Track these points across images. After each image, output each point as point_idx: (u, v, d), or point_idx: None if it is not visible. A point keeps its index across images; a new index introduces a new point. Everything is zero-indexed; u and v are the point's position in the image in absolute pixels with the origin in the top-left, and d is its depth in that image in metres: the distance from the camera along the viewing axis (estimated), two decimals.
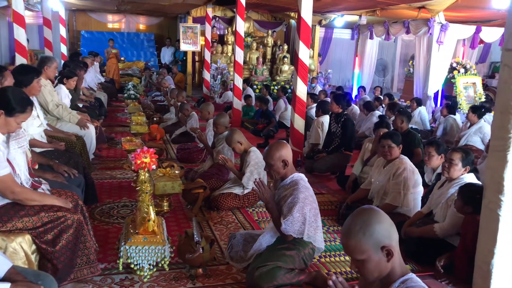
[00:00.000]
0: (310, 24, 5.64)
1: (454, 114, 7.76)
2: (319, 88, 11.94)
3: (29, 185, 2.66)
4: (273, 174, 3.02)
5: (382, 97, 9.23)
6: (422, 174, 4.44)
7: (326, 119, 6.04)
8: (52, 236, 2.50)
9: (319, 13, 12.92)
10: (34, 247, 2.53)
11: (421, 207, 3.79)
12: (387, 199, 3.85)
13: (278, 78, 14.04)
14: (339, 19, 13.35)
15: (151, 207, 2.82)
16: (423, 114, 8.33)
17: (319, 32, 15.45)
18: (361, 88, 10.42)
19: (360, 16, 11.99)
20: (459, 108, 9.29)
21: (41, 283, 1.92)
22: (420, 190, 3.89)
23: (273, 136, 7.98)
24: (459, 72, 10.06)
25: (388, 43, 14.79)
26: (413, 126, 7.90)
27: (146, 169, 2.86)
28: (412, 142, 5.20)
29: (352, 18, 12.96)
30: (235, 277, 3.04)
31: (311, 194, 2.97)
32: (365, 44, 11.82)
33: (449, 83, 10.28)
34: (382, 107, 8.55)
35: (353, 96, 11.43)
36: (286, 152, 2.96)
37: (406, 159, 3.91)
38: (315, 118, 6.39)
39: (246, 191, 4.23)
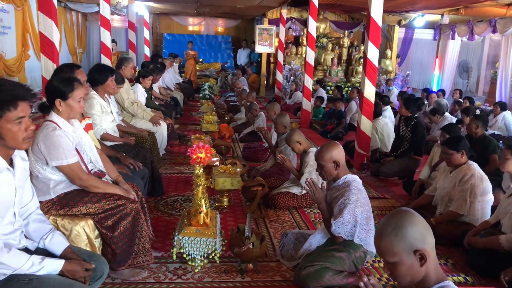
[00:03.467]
0: (380, 23, 5.50)
1: None
2: (395, 90, 11.52)
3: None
4: (325, 175, 3.00)
5: (462, 101, 8.71)
6: (499, 182, 4.16)
7: (380, 122, 5.92)
8: (111, 222, 2.70)
9: (397, 13, 12.49)
10: (97, 232, 2.75)
11: None
12: (451, 207, 3.65)
13: (353, 79, 13.79)
14: (420, 19, 12.79)
15: (203, 200, 2.93)
16: (507, 119, 7.74)
17: (398, 32, 14.91)
18: (440, 91, 9.89)
19: (442, 15, 11.42)
20: None
21: (94, 263, 2.09)
22: (490, 198, 3.63)
23: (342, 138, 7.87)
24: None
25: (474, 43, 13.89)
26: (496, 132, 7.38)
27: (201, 164, 2.98)
28: (487, 148, 4.88)
29: (434, 17, 12.37)
30: (284, 274, 3.07)
31: (363, 197, 2.90)
32: (446, 45, 11.24)
33: None
34: None
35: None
36: (338, 152, 2.93)
37: (474, 165, 3.67)
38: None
39: (304, 192, 4.23)
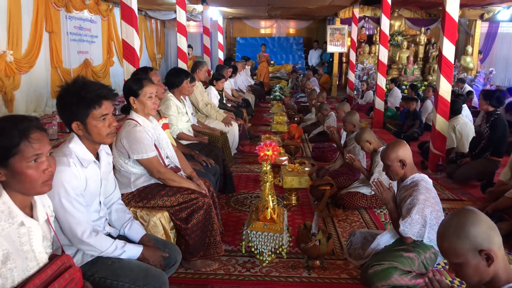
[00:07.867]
0: (456, 18, 5.26)
1: None
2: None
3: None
4: (391, 175, 2.95)
5: None
6: None
7: (460, 120, 5.69)
8: (185, 215, 2.88)
9: (479, 7, 11.78)
10: (172, 224, 2.95)
11: None
12: None
13: (430, 77, 13.22)
14: (505, 12, 11.95)
15: (270, 196, 3.02)
16: None
17: (481, 27, 14.03)
18: None
19: None
20: None
21: (168, 251, 2.26)
22: None
23: (417, 138, 7.62)
24: None
25: None
26: None
27: (268, 161, 3.07)
28: None
29: None
30: (350, 272, 3.07)
31: (433, 196, 2.83)
32: None
33: None
34: None
35: None
36: (404, 151, 2.87)
37: None
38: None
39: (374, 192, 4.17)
